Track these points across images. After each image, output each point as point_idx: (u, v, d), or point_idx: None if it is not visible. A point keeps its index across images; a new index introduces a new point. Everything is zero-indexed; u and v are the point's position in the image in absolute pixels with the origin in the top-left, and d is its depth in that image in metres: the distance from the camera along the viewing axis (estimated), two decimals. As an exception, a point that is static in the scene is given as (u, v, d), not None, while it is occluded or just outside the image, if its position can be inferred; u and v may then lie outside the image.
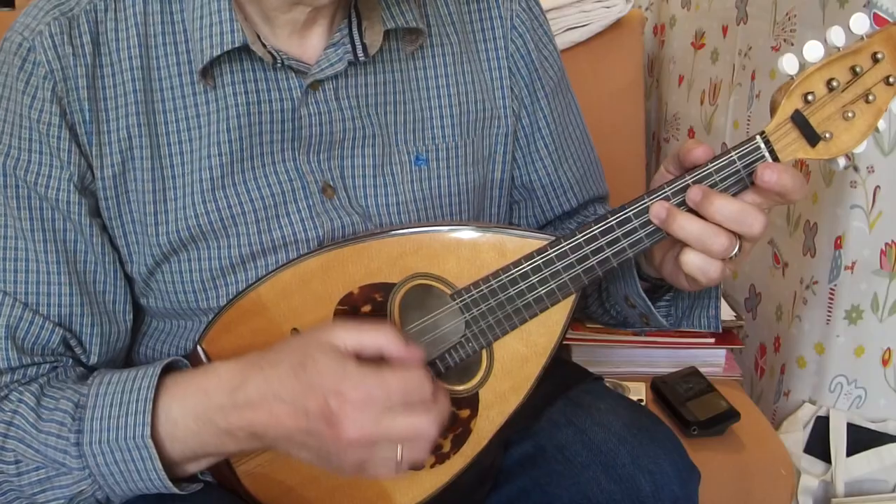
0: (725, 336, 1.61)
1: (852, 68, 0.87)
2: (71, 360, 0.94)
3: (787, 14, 1.59)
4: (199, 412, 0.84)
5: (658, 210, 0.87)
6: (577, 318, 1.55)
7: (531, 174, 1.10)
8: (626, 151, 1.92)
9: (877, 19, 1.35)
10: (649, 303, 0.98)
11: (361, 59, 0.95)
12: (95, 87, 0.90)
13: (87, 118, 0.90)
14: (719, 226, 0.85)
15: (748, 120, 1.74)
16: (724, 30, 1.86)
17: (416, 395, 0.80)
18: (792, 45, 1.58)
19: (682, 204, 0.87)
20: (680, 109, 2.06)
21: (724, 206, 0.85)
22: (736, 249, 0.86)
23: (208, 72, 0.91)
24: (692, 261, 0.86)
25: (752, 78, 1.72)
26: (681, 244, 0.87)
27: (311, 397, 0.79)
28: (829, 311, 1.51)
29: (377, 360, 0.82)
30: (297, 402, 0.80)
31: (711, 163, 0.87)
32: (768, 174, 0.85)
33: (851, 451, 1.53)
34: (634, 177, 1.94)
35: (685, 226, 0.85)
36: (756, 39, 1.71)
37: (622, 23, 1.93)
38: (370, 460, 0.81)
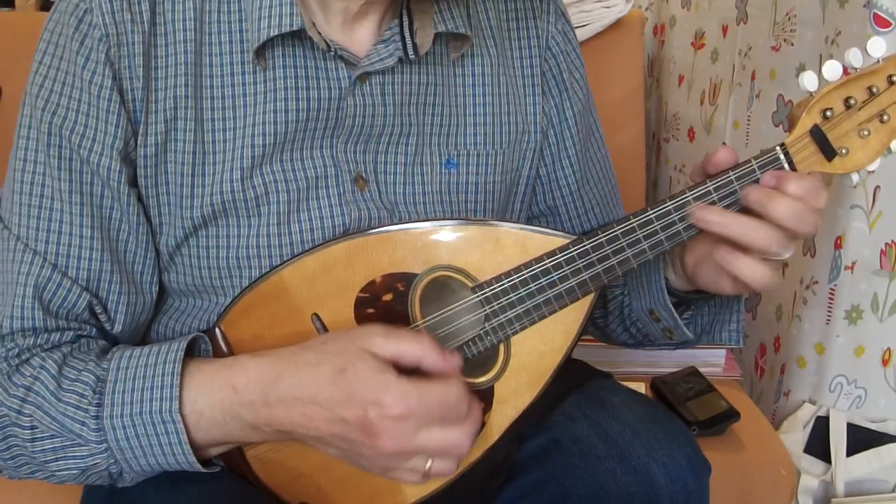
0: (725, 336, 1.61)
1: (869, 88, 0.91)
2: (95, 330, 0.93)
3: (787, 14, 1.60)
4: (226, 406, 0.84)
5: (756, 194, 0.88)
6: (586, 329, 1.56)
7: (554, 191, 1.12)
8: (626, 151, 1.93)
9: (877, 19, 1.35)
10: (676, 315, 0.99)
11: (412, 57, 0.96)
12: (149, 55, 0.91)
13: (140, 85, 0.90)
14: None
15: (748, 120, 1.74)
16: (724, 30, 1.87)
17: (454, 411, 0.81)
18: (792, 45, 1.58)
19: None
20: (680, 109, 2.07)
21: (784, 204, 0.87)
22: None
23: (261, 52, 0.92)
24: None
25: (752, 78, 1.73)
26: (721, 247, 0.90)
27: (350, 407, 0.79)
28: (829, 311, 1.52)
29: (414, 369, 0.82)
30: (334, 409, 0.80)
31: (732, 170, 0.90)
32: (753, 196, 0.88)
33: (851, 451, 1.53)
34: (634, 177, 1.94)
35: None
36: (756, 39, 1.72)
37: (622, 23, 1.94)
38: (399, 468, 0.82)
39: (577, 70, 1.12)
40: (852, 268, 1.48)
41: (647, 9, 2.22)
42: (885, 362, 1.53)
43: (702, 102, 1.96)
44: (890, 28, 1.35)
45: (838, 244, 1.48)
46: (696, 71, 2.00)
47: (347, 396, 0.79)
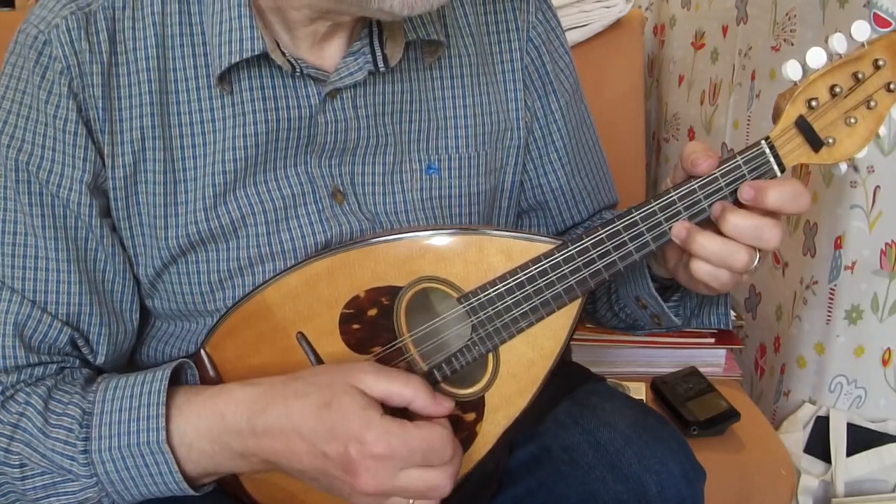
0: (725, 336, 1.62)
1: (854, 74, 0.89)
2: (78, 361, 0.93)
3: (787, 14, 1.59)
4: (215, 435, 0.84)
5: (678, 230, 0.88)
6: (582, 320, 1.56)
7: (544, 185, 1.10)
8: (626, 151, 1.92)
9: (877, 19, 1.35)
10: (662, 302, 0.98)
11: (382, 69, 0.94)
12: (110, 86, 0.89)
13: (101, 116, 0.89)
14: (736, 240, 0.86)
15: (748, 120, 1.74)
16: (724, 30, 1.86)
17: (437, 455, 0.81)
18: (792, 45, 1.58)
19: (691, 207, 0.88)
20: (680, 109, 2.06)
21: (740, 220, 0.85)
22: (756, 262, 0.87)
23: (226, 78, 0.90)
24: (703, 268, 0.87)
25: (752, 78, 1.72)
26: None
27: (332, 442, 0.79)
28: (829, 311, 1.51)
29: (403, 411, 0.83)
30: (316, 443, 0.80)
31: (717, 168, 0.88)
32: (746, 191, 0.86)
33: (851, 451, 1.53)
34: (634, 177, 1.93)
35: (705, 244, 0.86)
36: (756, 39, 1.71)
37: (622, 23, 1.92)
38: None
39: (562, 58, 1.10)
40: (852, 268, 1.48)
41: (647, 9, 2.21)
42: (885, 362, 1.53)
43: (702, 102, 1.95)
44: (890, 28, 1.34)
45: (838, 244, 1.48)
46: (696, 71, 1.99)
47: (330, 431, 0.79)
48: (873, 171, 1.43)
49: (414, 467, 0.80)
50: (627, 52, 1.95)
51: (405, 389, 0.82)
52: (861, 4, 1.37)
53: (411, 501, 0.82)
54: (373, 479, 0.79)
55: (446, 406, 0.83)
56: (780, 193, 0.85)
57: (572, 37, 1.89)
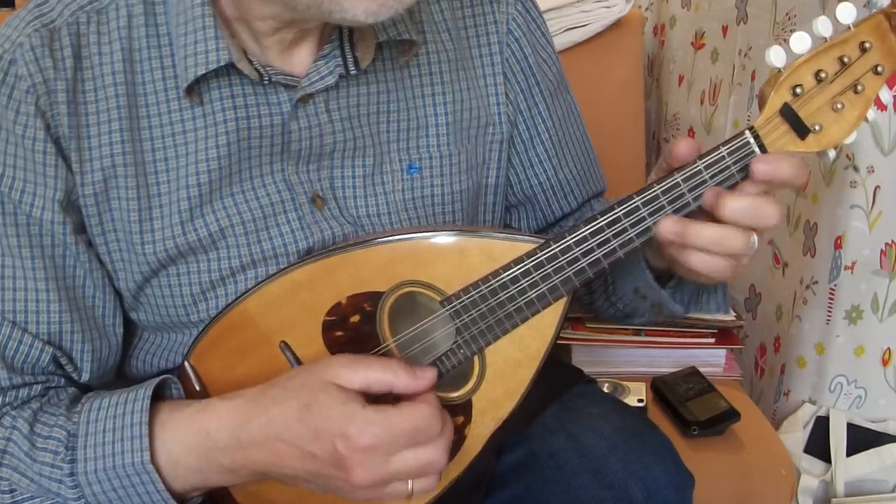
0: (725, 336, 1.61)
1: (840, 59, 0.86)
2: (63, 380, 0.93)
3: (787, 14, 1.59)
4: (202, 452, 0.84)
5: (671, 226, 0.85)
6: (578, 318, 1.55)
7: (531, 178, 1.09)
8: (626, 151, 1.92)
9: (877, 18, 1.34)
10: (661, 290, 0.96)
11: (353, 72, 0.93)
12: (76, 102, 0.88)
13: (69, 133, 0.88)
14: (734, 224, 0.83)
15: (748, 120, 1.73)
16: (724, 30, 1.86)
17: (425, 432, 0.80)
18: (792, 45, 1.57)
19: (675, 201, 0.86)
20: (680, 109, 2.06)
21: (737, 204, 0.83)
22: (756, 242, 0.84)
23: (194, 89, 0.89)
24: (700, 258, 0.85)
25: (752, 78, 1.72)
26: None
27: (317, 442, 0.79)
28: (829, 311, 1.51)
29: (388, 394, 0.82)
30: (302, 446, 0.80)
31: (700, 160, 0.86)
32: (762, 167, 0.83)
33: (851, 451, 1.53)
34: (634, 177, 1.93)
35: (700, 234, 0.84)
36: (756, 39, 1.71)
37: (622, 23, 1.92)
38: (380, 495, 0.81)
39: (545, 49, 1.08)
40: (852, 268, 1.48)
41: (647, 9, 2.21)
42: (885, 362, 1.53)
43: (702, 102, 1.95)
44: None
45: (838, 244, 1.48)
46: (696, 71, 1.99)
47: (313, 432, 0.79)
48: (873, 171, 1.43)
49: (404, 450, 0.79)
50: (627, 52, 1.95)
51: (383, 374, 0.81)
52: (861, 4, 1.36)
53: (411, 483, 0.81)
54: (366, 472, 0.79)
55: (428, 378, 0.82)
56: (790, 164, 0.83)
57: (572, 37, 1.89)
